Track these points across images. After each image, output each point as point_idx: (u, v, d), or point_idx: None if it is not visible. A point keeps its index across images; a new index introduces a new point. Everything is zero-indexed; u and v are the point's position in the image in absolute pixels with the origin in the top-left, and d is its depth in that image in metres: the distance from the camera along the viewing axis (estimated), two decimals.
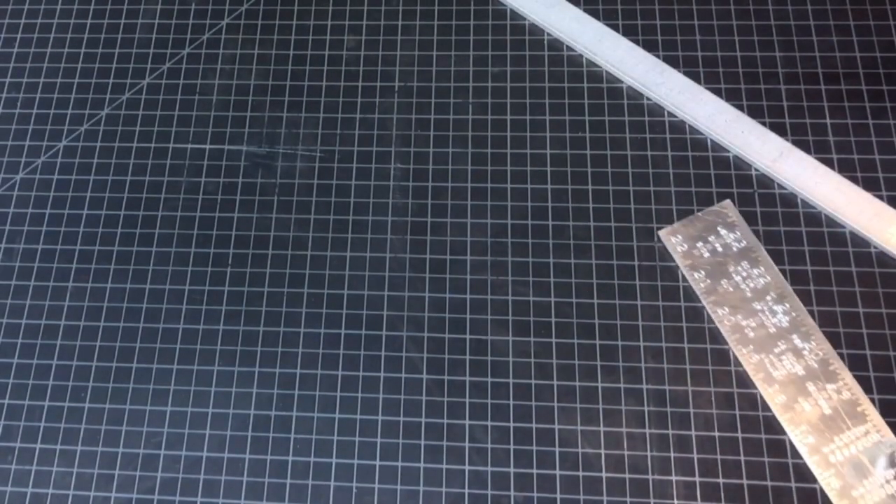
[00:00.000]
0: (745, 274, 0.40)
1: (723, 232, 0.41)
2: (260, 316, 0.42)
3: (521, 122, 0.45)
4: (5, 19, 0.50)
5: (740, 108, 0.44)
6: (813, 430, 0.37)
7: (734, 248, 0.41)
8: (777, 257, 0.41)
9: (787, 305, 0.39)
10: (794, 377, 0.38)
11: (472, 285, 0.42)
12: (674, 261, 0.41)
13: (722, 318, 0.40)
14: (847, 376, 0.38)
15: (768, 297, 0.40)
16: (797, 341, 0.39)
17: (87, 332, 0.42)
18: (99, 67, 0.48)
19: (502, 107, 0.45)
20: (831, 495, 0.36)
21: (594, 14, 0.47)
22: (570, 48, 0.46)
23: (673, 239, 0.41)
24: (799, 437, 0.37)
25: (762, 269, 0.40)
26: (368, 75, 0.47)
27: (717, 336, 0.40)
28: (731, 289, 0.40)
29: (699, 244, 0.41)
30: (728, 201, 0.42)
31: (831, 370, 0.38)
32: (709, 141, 0.44)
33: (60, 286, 0.43)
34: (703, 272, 0.40)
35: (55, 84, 0.48)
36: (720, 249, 0.41)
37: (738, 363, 0.39)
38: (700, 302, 0.41)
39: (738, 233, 0.41)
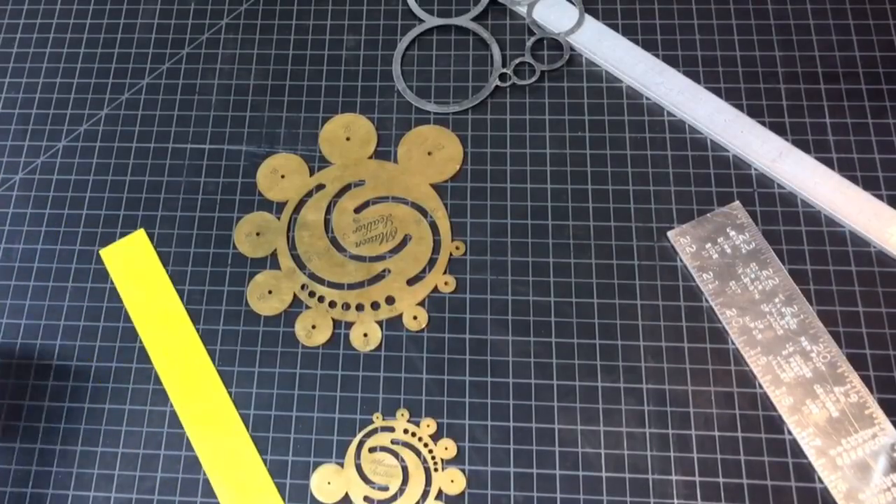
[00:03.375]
0: (753, 276, 0.40)
1: (732, 233, 0.41)
2: (260, 316, 0.42)
3: (520, 121, 0.45)
4: (5, 19, 0.50)
5: (740, 107, 0.44)
6: (820, 433, 0.37)
7: (743, 250, 0.41)
8: (777, 257, 0.41)
9: (796, 308, 0.39)
10: (801, 379, 0.38)
11: (472, 285, 0.42)
12: (673, 260, 0.41)
13: (730, 319, 0.40)
14: (855, 379, 0.38)
15: (777, 300, 0.40)
16: (805, 344, 0.39)
17: (86, 332, 0.42)
18: (98, 67, 0.48)
19: (502, 106, 0.45)
20: (838, 498, 0.36)
21: (594, 14, 0.47)
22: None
23: (682, 240, 0.41)
24: (806, 439, 0.37)
25: (771, 270, 0.40)
26: (368, 75, 0.47)
27: (716, 335, 0.40)
28: (739, 290, 0.40)
29: (708, 245, 0.41)
30: (738, 202, 0.42)
31: (839, 373, 0.38)
32: (708, 140, 0.44)
33: (60, 286, 0.43)
34: (711, 273, 0.40)
35: (54, 84, 0.48)
36: (729, 251, 0.41)
37: (738, 362, 0.39)
38: (700, 301, 0.41)
39: (748, 234, 0.41)
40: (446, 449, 0.38)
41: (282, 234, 0.43)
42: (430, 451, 0.38)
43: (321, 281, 0.42)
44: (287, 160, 0.44)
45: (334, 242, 0.43)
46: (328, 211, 0.43)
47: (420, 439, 0.38)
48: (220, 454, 0.39)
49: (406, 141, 0.44)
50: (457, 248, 0.42)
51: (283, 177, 0.44)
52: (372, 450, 0.39)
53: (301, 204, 0.44)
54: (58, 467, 0.40)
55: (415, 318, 0.41)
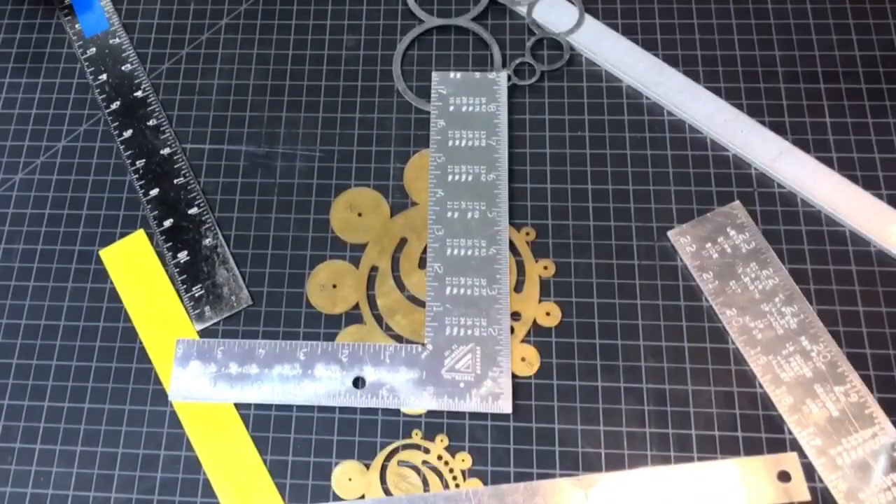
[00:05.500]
0: (753, 275, 0.40)
1: (732, 233, 0.41)
2: (260, 316, 0.42)
3: (520, 121, 0.45)
4: (4, 20, 0.50)
5: (739, 107, 0.44)
6: (820, 433, 0.37)
7: (743, 250, 0.41)
8: (777, 256, 0.41)
9: (796, 307, 0.39)
10: (802, 379, 0.38)
11: None
12: (673, 260, 0.41)
13: (730, 319, 0.40)
14: (855, 378, 0.38)
15: (777, 299, 0.40)
16: (805, 343, 0.39)
17: (86, 332, 0.42)
18: None
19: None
20: (838, 497, 0.36)
21: (593, 13, 0.47)
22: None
23: (682, 240, 0.41)
24: (806, 438, 0.37)
25: (771, 270, 0.40)
26: (368, 75, 0.47)
27: (717, 335, 0.40)
28: (739, 290, 0.40)
29: (708, 245, 0.41)
30: (738, 202, 0.42)
31: (839, 372, 0.38)
32: (708, 140, 0.44)
33: (60, 286, 0.43)
34: (711, 273, 0.40)
35: (54, 84, 0.48)
36: (729, 251, 0.41)
37: (738, 362, 0.39)
38: (700, 301, 0.41)
39: (748, 234, 0.41)
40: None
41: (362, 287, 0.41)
42: (457, 486, 0.38)
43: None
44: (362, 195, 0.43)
45: (413, 300, 0.42)
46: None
47: (451, 471, 0.38)
48: (220, 454, 0.39)
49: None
50: None
51: (360, 215, 0.43)
52: (401, 463, 0.38)
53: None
54: (58, 467, 0.40)
55: None
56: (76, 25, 0.49)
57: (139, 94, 0.46)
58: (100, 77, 0.47)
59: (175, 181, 0.44)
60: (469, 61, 0.46)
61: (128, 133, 0.46)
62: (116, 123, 0.46)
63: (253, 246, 0.43)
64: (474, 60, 0.46)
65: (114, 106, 0.46)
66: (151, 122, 0.46)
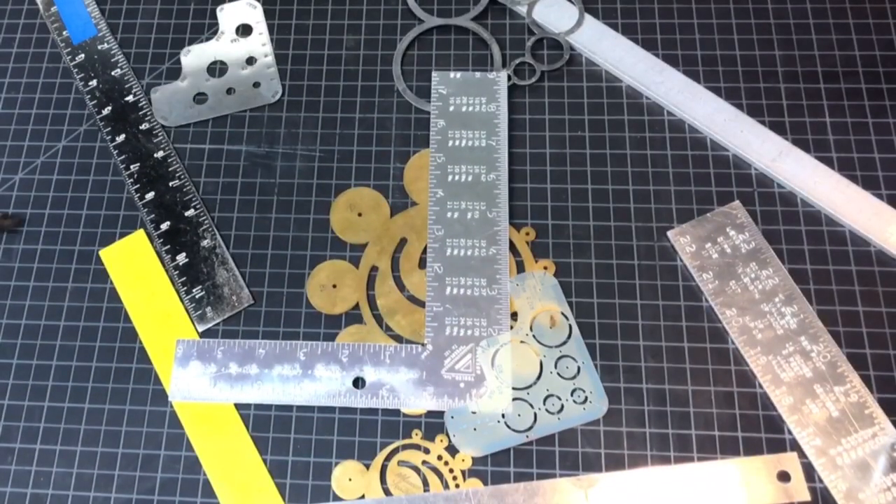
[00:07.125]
0: (753, 275, 0.40)
1: (732, 233, 0.41)
2: (260, 316, 0.42)
3: (521, 121, 0.45)
4: (5, 19, 0.50)
5: (739, 107, 0.44)
6: (820, 433, 0.37)
7: (743, 250, 0.41)
8: (777, 256, 0.41)
9: (796, 307, 0.39)
10: (801, 379, 0.38)
11: None
12: (673, 260, 0.41)
13: (730, 319, 0.40)
14: (855, 378, 0.38)
15: (777, 299, 0.40)
16: (805, 343, 0.39)
17: (86, 333, 0.42)
18: None
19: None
20: (838, 497, 0.36)
21: (593, 13, 0.47)
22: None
23: (682, 239, 0.41)
24: (806, 438, 0.37)
25: (771, 270, 0.40)
26: (368, 75, 0.47)
27: (716, 335, 0.40)
28: (739, 290, 0.40)
29: (708, 245, 0.41)
30: (738, 202, 0.42)
31: (839, 372, 0.38)
32: (708, 140, 0.44)
33: (60, 286, 0.43)
34: (711, 273, 0.40)
35: (54, 84, 0.48)
36: (729, 251, 0.41)
37: (738, 362, 0.39)
38: (700, 301, 0.41)
39: (748, 234, 0.41)
40: None
41: (362, 288, 0.41)
42: (457, 486, 0.38)
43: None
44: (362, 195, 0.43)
45: (413, 300, 0.42)
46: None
47: (451, 471, 0.38)
48: (220, 454, 0.39)
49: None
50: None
51: (360, 215, 0.43)
52: (401, 463, 0.38)
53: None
54: (57, 467, 0.40)
55: None
56: (63, 32, 0.48)
57: (130, 98, 0.46)
58: (90, 83, 0.47)
59: (170, 184, 0.44)
60: (469, 61, 0.46)
61: (120, 138, 0.45)
62: (108, 129, 0.46)
63: (253, 246, 0.43)
64: (474, 60, 0.46)
65: (105, 111, 0.46)
66: (144, 126, 0.46)
